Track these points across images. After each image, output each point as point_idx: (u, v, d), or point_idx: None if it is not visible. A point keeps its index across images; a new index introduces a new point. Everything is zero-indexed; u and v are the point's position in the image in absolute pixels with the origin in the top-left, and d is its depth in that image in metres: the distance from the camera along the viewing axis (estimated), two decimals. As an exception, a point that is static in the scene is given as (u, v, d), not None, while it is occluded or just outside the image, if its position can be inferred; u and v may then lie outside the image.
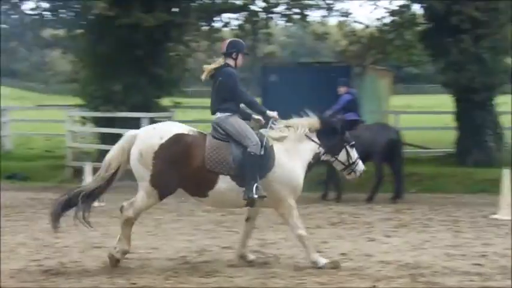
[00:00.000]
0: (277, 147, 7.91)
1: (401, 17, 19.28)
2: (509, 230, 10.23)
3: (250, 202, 7.69)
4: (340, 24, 21.69)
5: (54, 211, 7.86)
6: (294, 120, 8.16)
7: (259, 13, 20.66)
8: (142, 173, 7.67)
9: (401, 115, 21.37)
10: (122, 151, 7.87)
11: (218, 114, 7.98)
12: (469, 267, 7.93)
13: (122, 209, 7.85)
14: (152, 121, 15.10)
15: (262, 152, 7.72)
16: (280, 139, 8.00)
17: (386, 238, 9.65)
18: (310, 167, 8.13)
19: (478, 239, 9.75)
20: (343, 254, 8.25)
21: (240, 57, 8.18)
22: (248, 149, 7.70)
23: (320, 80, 17.83)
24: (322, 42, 24.90)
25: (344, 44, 21.34)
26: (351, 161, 8.27)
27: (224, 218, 11.23)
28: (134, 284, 7.25)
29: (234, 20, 20.88)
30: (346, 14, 20.99)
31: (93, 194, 7.94)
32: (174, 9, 17.41)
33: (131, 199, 7.79)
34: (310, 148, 8.10)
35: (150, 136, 7.77)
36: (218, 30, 20.92)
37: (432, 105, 36.31)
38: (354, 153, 8.32)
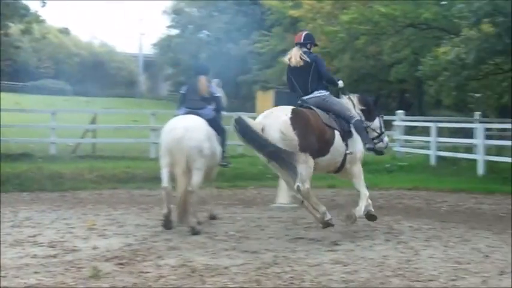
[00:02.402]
0: None
1: None
2: None
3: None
4: None
5: None
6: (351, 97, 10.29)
7: None
8: (291, 146, 8.93)
9: None
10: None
11: (317, 93, 9.80)
12: None
13: (298, 188, 9.08)
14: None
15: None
16: None
17: None
18: None
19: None
20: None
21: (311, 48, 10.10)
22: (355, 119, 9.77)
23: None
24: None
25: None
26: (382, 130, 10.52)
27: None
28: None
29: None
30: None
31: None
32: None
33: (297, 179, 8.98)
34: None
35: (277, 116, 9.15)
36: None
37: None
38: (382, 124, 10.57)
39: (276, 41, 43.44)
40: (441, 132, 21.46)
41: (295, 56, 9.95)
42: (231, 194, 14.57)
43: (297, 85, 10.00)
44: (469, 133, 21.76)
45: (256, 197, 14.17)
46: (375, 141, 10.31)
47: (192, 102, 10.62)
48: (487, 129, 20.19)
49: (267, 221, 11.09)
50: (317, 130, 9.25)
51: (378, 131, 10.44)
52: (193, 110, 10.47)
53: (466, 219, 11.51)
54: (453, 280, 7.24)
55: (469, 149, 20.53)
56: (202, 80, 10.76)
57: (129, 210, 12.29)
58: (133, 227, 10.33)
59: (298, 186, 9.08)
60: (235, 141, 20.87)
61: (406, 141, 22.94)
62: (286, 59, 10.15)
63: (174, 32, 61.64)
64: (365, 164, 18.94)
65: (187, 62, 53.31)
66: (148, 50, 71.75)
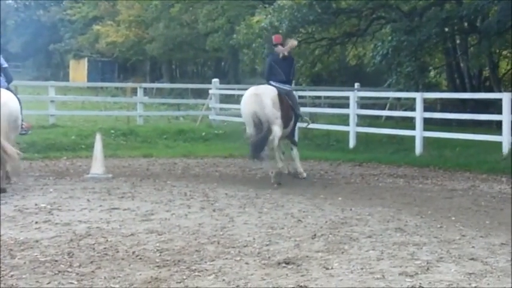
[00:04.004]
0: None
1: None
2: None
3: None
4: None
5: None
6: None
7: None
8: (276, 113, 12.25)
9: None
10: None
11: (288, 86, 13.04)
12: None
13: (272, 142, 12.24)
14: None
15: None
16: None
17: None
18: None
19: None
20: None
21: None
22: (298, 112, 13.30)
23: None
24: None
25: None
26: None
27: None
28: None
29: None
30: None
31: None
32: None
33: (272, 134, 12.14)
34: None
35: (269, 91, 12.43)
36: None
37: None
38: None
39: (89, 8, 42.50)
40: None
41: (289, 48, 13.07)
42: (42, 166, 14.16)
43: (282, 72, 12.88)
44: (283, 101, 22.38)
45: (70, 168, 13.86)
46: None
47: None
48: (301, 97, 20.87)
49: (81, 192, 10.90)
50: (286, 108, 12.63)
51: None
52: None
53: (280, 186, 11.85)
54: (267, 245, 7.43)
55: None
56: None
57: None
58: None
59: (273, 139, 12.26)
60: (45, 110, 20.40)
61: (222, 109, 23.31)
62: (279, 51, 12.97)
63: (-22, -4, 58.62)
64: (181, 132, 19.29)
65: (-6, 28, 51.04)
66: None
